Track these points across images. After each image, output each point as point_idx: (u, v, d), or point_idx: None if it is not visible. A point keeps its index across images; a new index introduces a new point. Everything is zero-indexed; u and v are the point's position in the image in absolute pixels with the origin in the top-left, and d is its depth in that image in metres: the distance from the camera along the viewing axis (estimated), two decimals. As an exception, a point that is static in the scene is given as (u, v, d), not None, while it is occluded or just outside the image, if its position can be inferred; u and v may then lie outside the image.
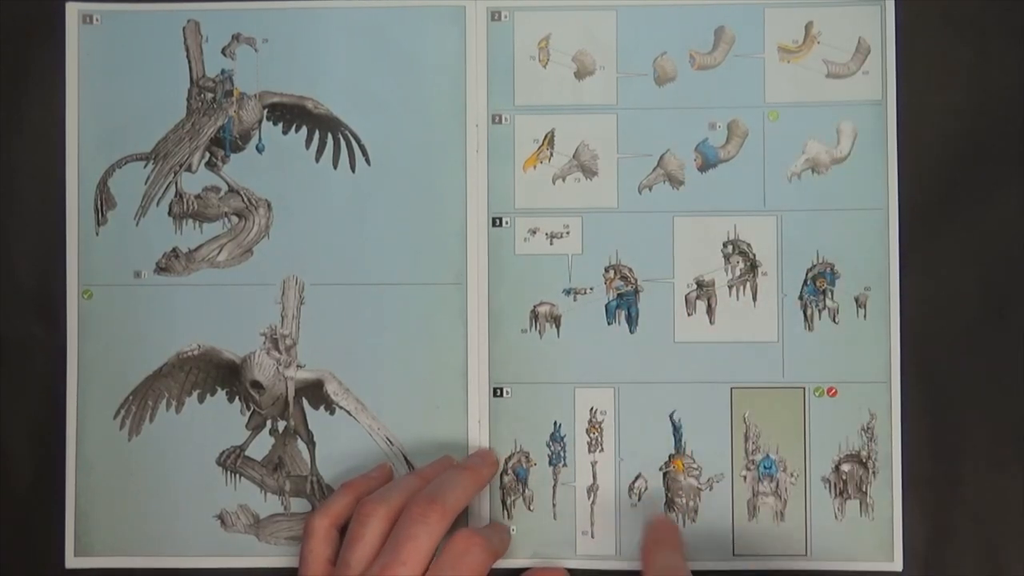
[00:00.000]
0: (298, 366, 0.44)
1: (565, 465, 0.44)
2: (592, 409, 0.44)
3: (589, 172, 0.44)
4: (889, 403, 0.43)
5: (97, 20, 0.45)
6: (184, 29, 0.45)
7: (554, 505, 0.44)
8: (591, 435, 0.44)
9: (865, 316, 0.44)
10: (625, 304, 0.44)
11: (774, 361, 0.44)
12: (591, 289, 0.44)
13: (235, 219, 0.45)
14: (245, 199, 0.45)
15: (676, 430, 0.44)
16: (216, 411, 0.44)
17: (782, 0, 0.44)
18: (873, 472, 0.43)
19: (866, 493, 0.43)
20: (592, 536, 0.44)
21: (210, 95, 0.45)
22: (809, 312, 0.44)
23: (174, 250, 0.45)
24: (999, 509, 0.43)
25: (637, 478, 0.44)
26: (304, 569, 0.39)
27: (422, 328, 0.44)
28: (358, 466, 0.44)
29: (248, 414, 0.45)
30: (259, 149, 0.45)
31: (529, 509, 0.44)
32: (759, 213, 0.44)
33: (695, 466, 0.44)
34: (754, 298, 0.44)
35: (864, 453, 0.43)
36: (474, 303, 0.44)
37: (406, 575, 0.37)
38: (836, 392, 0.44)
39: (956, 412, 0.43)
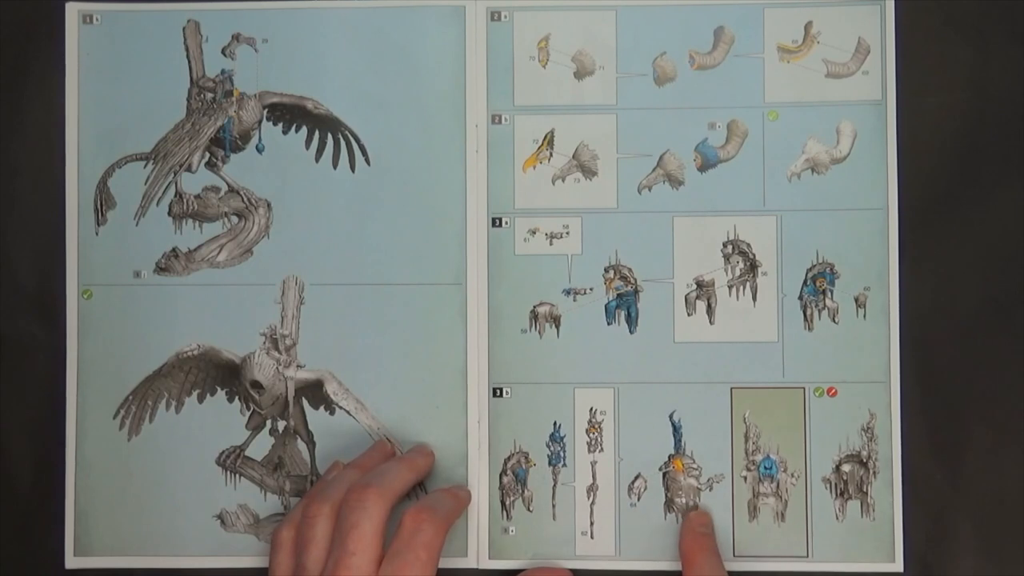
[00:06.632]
0: (298, 366, 0.44)
1: (564, 465, 0.44)
2: (592, 409, 0.44)
3: (589, 172, 0.44)
4: (889, 403, 0.43)
5: (97, 20, 0.45)
6: (184, 29, 0.45)
7: (553, 505, 0.44)
8: (591, 435, 0.44)
9: (865, 316, 0.43)
10: (625, 304, 0.44)
11: (774, 361, 0.44)
12: (591, 289, 0.44)
13: (235, 219, 0.45)
14: (245, 199, 0.45)
15: (676, 430, 0.44)
16: (216, 411, 0.44)
17: (782, 0, 0.44)
18: (874, 472, 0.43)
19: (867, 493, 0.43)
20: (591, 536, 0.43)
21: (210, 95, 0.45)
22: (809, 312, 0.44)
23: (174, 250, 0.45)
24: (999, 509, 0.43)
25: (636, 478, 0.44)
26: None
27: (422, 328, 0.44)
28: (358, 466, 0.44)
29: (248, 414, 0.45)
30: (259, 149, 0.45)
31: (528, 509, 0.44)
32: (759, 213, 0.44)
33: (695, 466, 0.44)
34: (754, 298, 0.44)
35: (864, 453, 0.43)
36: (474, 303, 0.44)
37: (360, 563, 0.37)
38: (836, 392, 0.43)
39: (956, 411, 0.43)
